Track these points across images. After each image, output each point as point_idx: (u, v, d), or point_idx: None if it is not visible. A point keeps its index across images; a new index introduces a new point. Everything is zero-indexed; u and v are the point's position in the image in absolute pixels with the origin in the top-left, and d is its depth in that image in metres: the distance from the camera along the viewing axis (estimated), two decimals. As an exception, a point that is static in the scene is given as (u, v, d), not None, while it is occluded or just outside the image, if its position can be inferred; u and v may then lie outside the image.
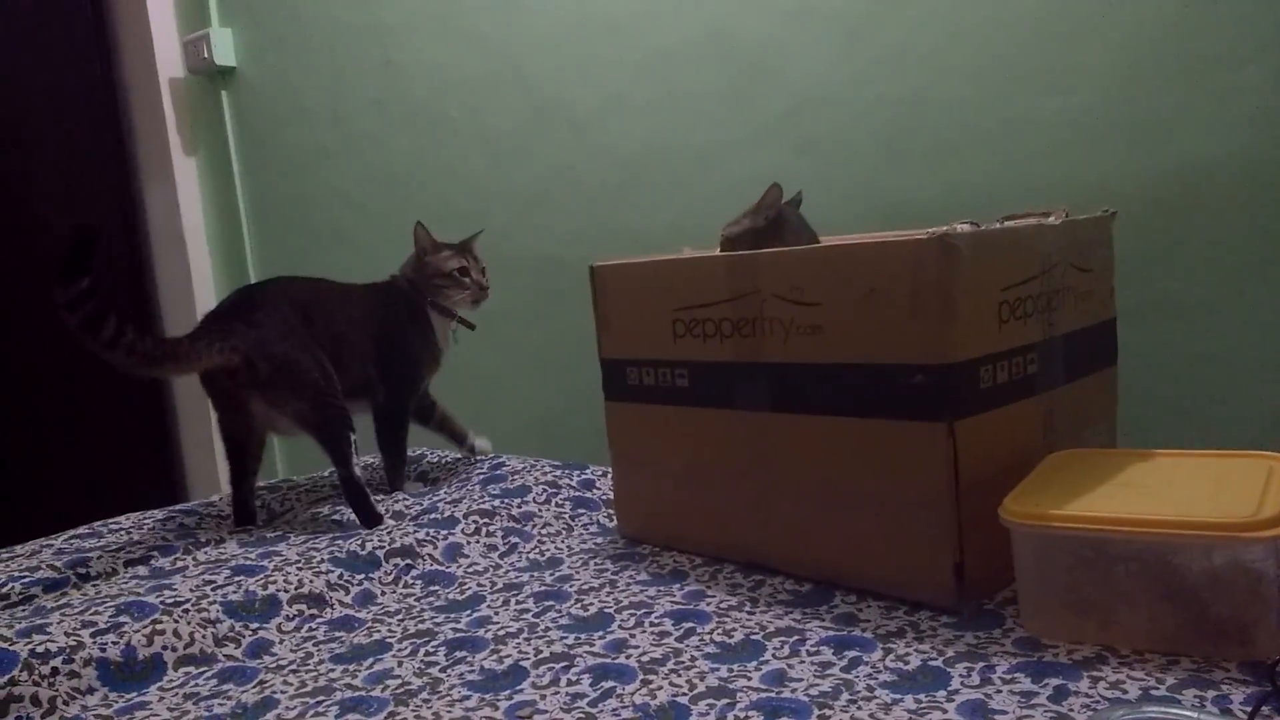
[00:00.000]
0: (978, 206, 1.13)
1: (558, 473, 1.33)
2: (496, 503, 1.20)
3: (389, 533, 1.10)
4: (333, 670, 0.82)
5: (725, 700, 0.70)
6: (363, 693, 0.76)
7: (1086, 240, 1.00)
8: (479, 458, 1.49)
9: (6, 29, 2.48)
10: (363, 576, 1.02)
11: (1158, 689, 0.66)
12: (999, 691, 0.68)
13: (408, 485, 1.38)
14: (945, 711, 0.66)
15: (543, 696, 0.73)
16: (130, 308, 2.46)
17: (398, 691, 0.76)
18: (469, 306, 1.41)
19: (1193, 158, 1.14)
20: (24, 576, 1.06)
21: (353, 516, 1.22)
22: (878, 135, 1.38)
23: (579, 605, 0.92)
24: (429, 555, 1.08)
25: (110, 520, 1.33)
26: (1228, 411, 1.15)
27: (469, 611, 0.93)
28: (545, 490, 1.26)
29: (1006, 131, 1.27)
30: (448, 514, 1.16)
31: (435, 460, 1.55)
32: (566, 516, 1.22)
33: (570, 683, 0.75)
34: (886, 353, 0.84)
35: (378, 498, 1.27)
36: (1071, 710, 0.64)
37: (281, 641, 0.90)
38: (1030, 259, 0.90)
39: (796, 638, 0.80)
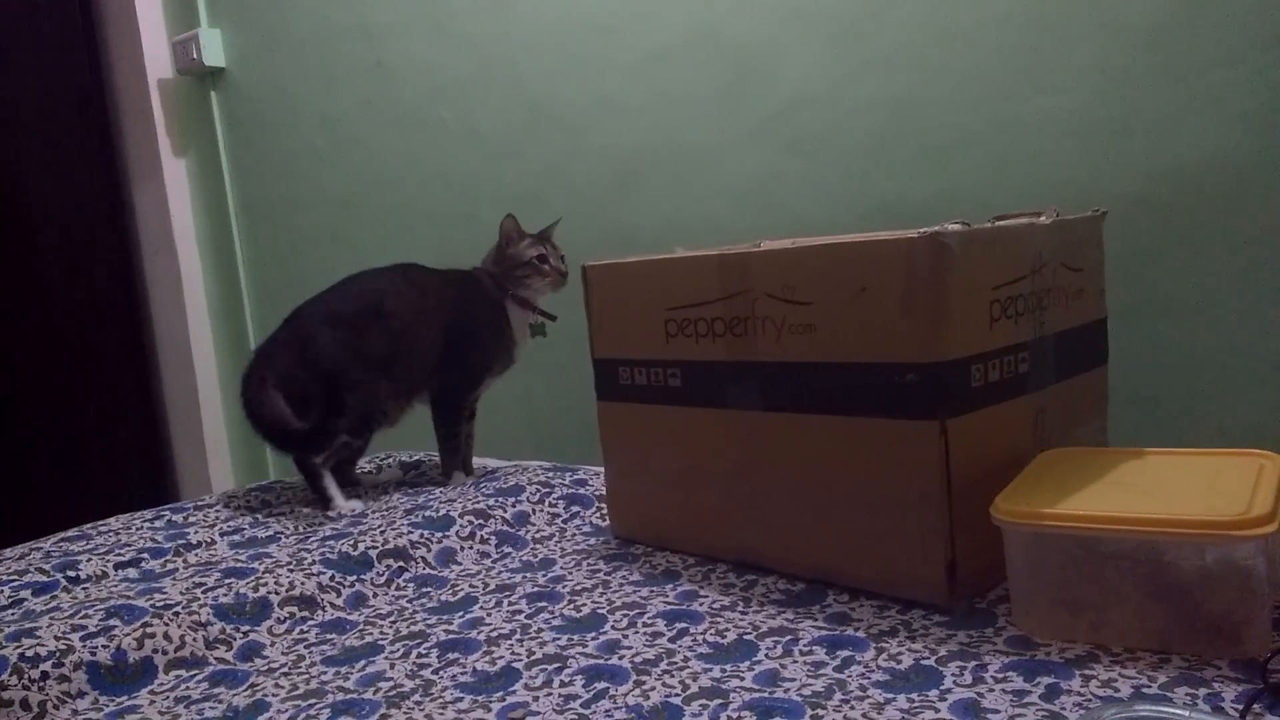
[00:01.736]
0: (969, 207, 1.13)
1: (550, 474, 1.33)
2: (491, 501, 1.20)
3: (381, 533, 1.10)
4: (324, 673, 0.82)
5: (718, 700, 0.70)
6: (355, 695, 0.76)
7: (1077, 240, 1.00)
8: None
9: (-6, 29, 2.46)
10: (354, 578, 1.02)
11: (1149, 687, 0.66)
12: (991, 690, 0.68)
13: (455, 476, 1.40)
14: (938, 710, 0.66)
15: (535, 698, 0.73)
16: (120, 310, 2.45)
17: (390, 694, 0.75)
18: (550, 292, 1.42)
19: (1182, 157, 1.14)
20: (13, 580, 1.05)
21: (346, 516, 1.22)
22: (869, 136, 1.38)
23: (572, 606, 0.92)
24: (421, 557, 1.07)
25: (99, 523, 1.32)
26: (1219, 410, 1.16)
27: (461, 613, 0.93)
28: (539, 490, 1.26)
29: (997, 132, 1.27)
30: (443, 512, 1.16)
31: (434, 464, 1.54)
32: (560, 517, 1.21)
33: (563, 684, 0.75)
34: (878, 351, 0.84)
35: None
36: (1064, 709, 0.64)
37: (273, 644, 0.90)
38: (1021, 258, 0.90)
39: (789, 637, 0.80)
